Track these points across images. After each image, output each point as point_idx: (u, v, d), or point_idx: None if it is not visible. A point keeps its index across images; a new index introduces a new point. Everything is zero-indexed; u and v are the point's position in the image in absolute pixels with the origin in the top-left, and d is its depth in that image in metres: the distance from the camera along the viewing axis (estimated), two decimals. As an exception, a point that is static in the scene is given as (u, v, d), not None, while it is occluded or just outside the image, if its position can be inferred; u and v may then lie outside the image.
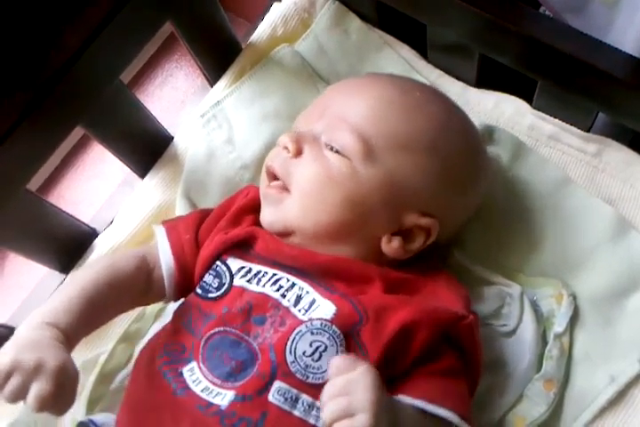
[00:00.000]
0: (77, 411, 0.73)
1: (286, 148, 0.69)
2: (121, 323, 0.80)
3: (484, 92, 0.90)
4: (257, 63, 0.90)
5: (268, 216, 0.70)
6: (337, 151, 0.68)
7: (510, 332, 0.75)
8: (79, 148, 1.27)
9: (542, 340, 0.75)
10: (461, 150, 0.72)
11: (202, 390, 0.62)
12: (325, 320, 0.63)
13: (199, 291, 0.69)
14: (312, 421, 0.60)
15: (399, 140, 0.68)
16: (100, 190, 1.22)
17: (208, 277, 0.69)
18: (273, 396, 0.60)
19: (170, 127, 0.91)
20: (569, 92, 0.79)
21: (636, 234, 0.78)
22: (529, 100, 0.86)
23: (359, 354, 0.61)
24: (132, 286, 0.71)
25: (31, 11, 0.67)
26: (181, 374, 0.63)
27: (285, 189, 0.69)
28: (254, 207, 0.73)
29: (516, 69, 0.80)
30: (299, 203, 0.68)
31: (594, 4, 0.82)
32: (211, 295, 0.67)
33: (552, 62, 0.76)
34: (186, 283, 0.71)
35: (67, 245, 0.85)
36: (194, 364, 0.63)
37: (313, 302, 0.65)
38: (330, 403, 0.56)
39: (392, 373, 0.63)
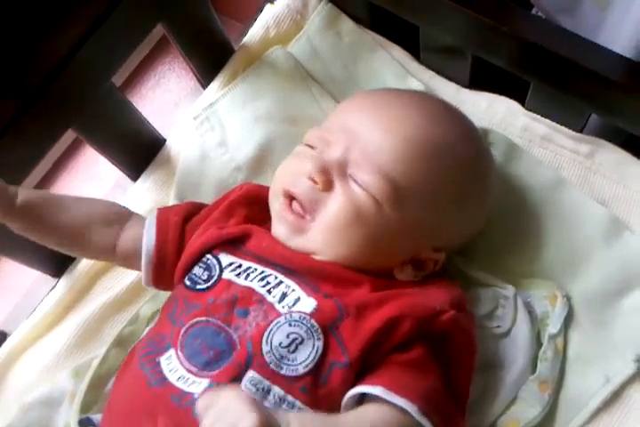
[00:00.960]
0: (70, 415, 0.73)
1: (312, 179, 0.68)
2: (114, 326, 0.80)
3: (477, 93, 0.90)
4: (250, 65, 0.90)
5: (287, 241, 0.69)
6: (364, 188, 0.67)
7: (504, 333, 0.75)
8: (72, 150, 1.26)
9: (537, 341, 0.75)
10: (485, 192, 0.74)
11: (178, 379, 0.62)
12: (304, 313, 0.63)
13: (188, 282, 0.69)
14: None
15: (430, 188, 0.68)
16: (92, 193, 1.20)
17: (198, 270, 0.70)
18: (245, 385, 0.60)
19: (162, 129, 0.90)
20: (562, 93, 0.79)
21: (630, 234, 0.79)
22: (522, 100, 0.86)
23: (338, 350, 0.62)
24: (103, 209, 0.75)
25: (22, 13, 0.67)
26: (159, 363, 0.64)
27: (305, 216, 0.68)
28: (248, 201, 0.74)
29: (509, 71, 0.80)
30: (322, 235, 0.68)
31: (585, 5, 0.82)
32: (199, 287, 0.68)
33: (545, 64, 0.76)
34: (161, 264, 0.72)
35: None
36: (172, 351, 0.64)
37: (297, 299, 0.65)
38: None
39: (366, 365, 0.63)
